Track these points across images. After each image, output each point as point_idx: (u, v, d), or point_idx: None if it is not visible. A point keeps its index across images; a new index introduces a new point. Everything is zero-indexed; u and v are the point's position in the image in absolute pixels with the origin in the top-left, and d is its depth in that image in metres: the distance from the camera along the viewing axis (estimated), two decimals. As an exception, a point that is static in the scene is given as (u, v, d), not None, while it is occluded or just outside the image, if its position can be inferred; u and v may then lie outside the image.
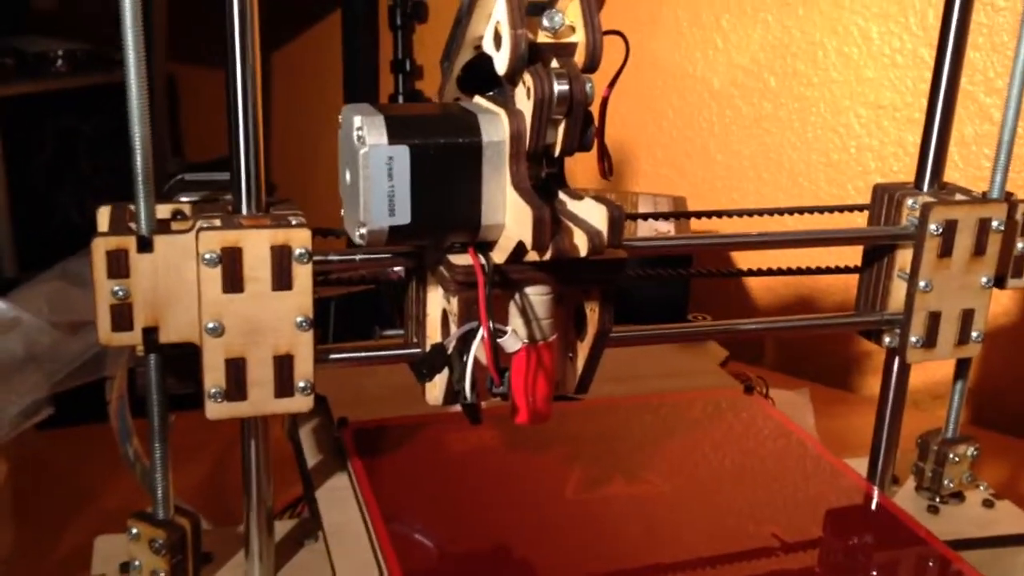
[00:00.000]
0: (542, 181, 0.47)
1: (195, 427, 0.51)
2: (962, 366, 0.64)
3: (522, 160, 0.44)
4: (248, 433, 0.53)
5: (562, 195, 0.47)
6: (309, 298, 0.49)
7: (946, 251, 0.57)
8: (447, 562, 0.54)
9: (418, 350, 0.52)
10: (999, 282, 0.60)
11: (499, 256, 0.46)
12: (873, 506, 0.61)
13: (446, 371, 0.49)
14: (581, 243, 0.43)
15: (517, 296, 0.47)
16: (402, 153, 0.43)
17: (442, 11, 1.22)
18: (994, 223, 0.58)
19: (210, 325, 0.48)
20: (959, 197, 0.59)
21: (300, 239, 0.48)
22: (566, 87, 0.43)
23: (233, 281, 0.48)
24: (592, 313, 0.49)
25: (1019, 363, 0.98)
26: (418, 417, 0.67)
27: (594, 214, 0.43)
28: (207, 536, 0.56)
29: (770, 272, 0.64)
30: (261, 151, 0.50)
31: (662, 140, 1.21)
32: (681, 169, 1.20)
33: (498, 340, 0.46)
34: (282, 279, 0.48)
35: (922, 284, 0.58)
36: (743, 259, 1.10)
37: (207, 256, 0.47)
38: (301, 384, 0.50)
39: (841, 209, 0.62)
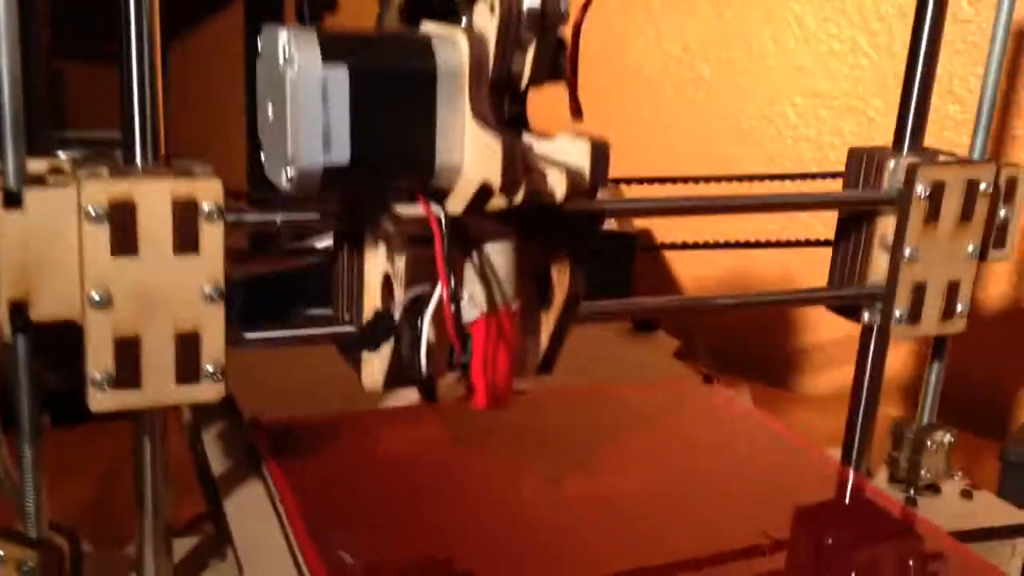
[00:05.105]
0: (504, 122, 0.40)
1: (72, 443, 0.42)
2: (940, 345, 0.59)
3: (484, 90, 0.37)
4: (143, 430, 0.44)
5: (528, 139, 0.40)
6: (219, 264, 0.41)
7: (932, 216, 0.52)
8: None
9: (350, 328, 0.44)
10: (980, 253, 0.56)
11: (455, 206, 0.38)
12: (866, 494, 0.56)
13: (385, 351, 0.41)
14: (558, 184, 0.36)
15: (474, 255, 0.40)
16: (339, 77, 0.35)
17: (353, 1, 1.15)
18: (982, 185, 0.53)
19: (95, 295, 0.39)
20: (943, 159, 0.54)
21: (209, 192, 0.40)
22: (537, 2, 0.36)
23: (124, 242, 0.39)
24: (560, 275, 0.42)
25: (977, 356, 0.94)
26: (341, 415, 0.58)
27: (572, 152, 0.37)
28: (89, 561, 0.46)
29: (735, 245, 0.58)
30: (160, 90, 0.42)
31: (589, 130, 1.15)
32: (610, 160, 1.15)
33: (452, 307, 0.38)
34: (186, 240, 0.40)
35: (907, 253, 0.53)
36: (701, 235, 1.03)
37: (92, 211, 0.38)
38: (209, 368, 0.41)
39: (815, 176, 0.57)
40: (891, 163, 0.53)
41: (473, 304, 0.39)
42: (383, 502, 0.51)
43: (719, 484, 0.55)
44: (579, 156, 0.36)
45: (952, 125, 0.92)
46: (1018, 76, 0.89)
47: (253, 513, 0.50)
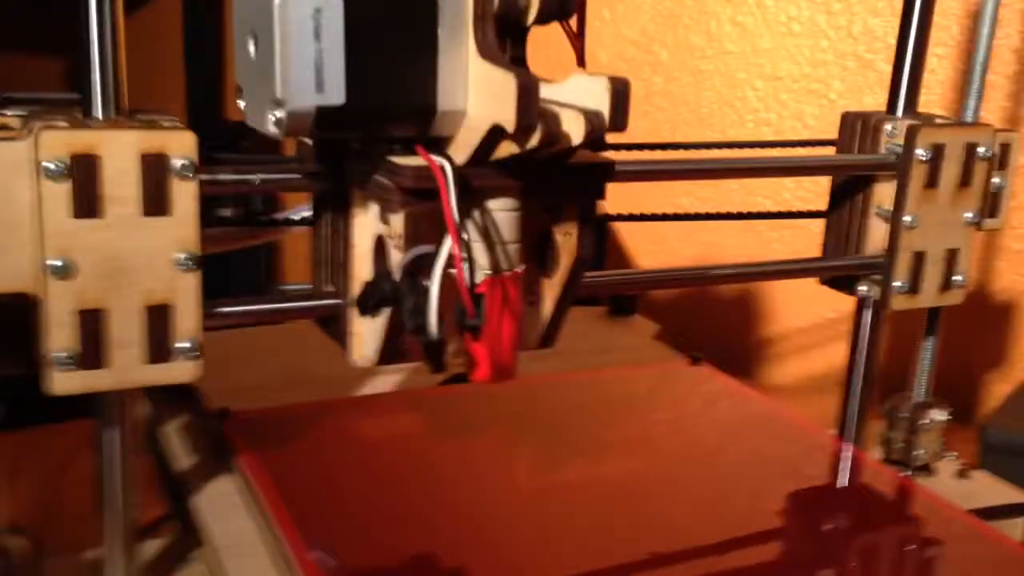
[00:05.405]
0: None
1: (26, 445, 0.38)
2: (934, 319, 0.58)
3: (489, 24, 0.34)
4: (108, 419, 0.40)
5: (531, 83, 0.37)
6: (194, 227, 0.37)
7: (932, 181, 0.51)
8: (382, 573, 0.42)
9: (335, 300, 0.41)
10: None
11: (458, 154, 0.35)
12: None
13: (380, 321, 0.38)
14: (574, 126, 0.33)
15: (476, 213, 0.36)
16: (334, 6, 0.32)
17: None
18: (980, 149, 0.51)
19: (55, 263, 0.35)
20: (940, 121, 0.52)
21: (180, 145, 0.36)
22: (546, -72, 0.33)
23: (88, 202, 0.35)
24: (567, 237, 0.39)
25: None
26: (314, 405, 0.55)
27: (588, 94, 0.34)
28: (50, 566, 0.42)
29: (723, 216, 0.55)
30: (121, 35, 0.38)
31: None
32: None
33: (452, 271, 0.35)
34: (156, 200, 0.36)
35: (907, 219, 0.51)
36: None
37: (51, 166, 0.34)
38: (184, 344, 0.37)
39: (805, 144, 0.54)
40: (889, 125, 0.51)
41: (476, 267, 0.36)
42: (368, 492, 0.47)
43: (728, 465, 0.52)
44: (596, 97, 0.33)
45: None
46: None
47: (229, 509, 0.46)
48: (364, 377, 0.60)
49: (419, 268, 0.34)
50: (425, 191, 0.34)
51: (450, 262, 0.33)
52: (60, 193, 0.35)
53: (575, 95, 0.34)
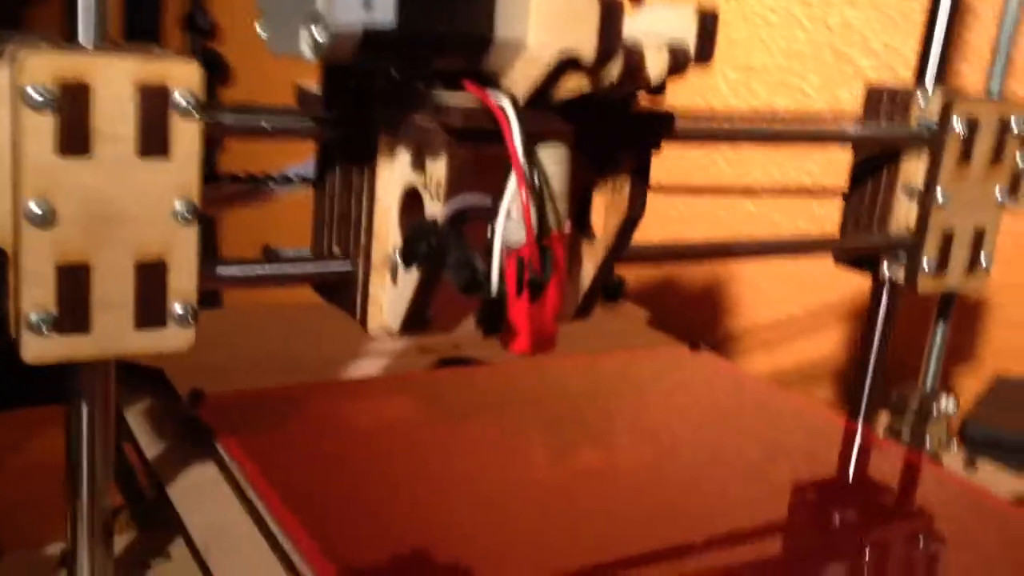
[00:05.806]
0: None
1: None
2: (946, 304, 0.55)
3: (553, -58, 0.30)
4: (84, 391, 0.34)
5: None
6: (196, 172, 0.32)
7: (965, 156, 0.48)
8: (391, 561, 0.37)
9: (345, 267, 0.36)
10: (998, 202, 0.52)
11: (517, 88, 0.30)
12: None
13: (405, 287, 0.33)
14: (655, 59, 0.29)
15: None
16: (385, -91, 0.27)
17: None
18: (1013, 125, 0.49)
19: (34, 207, 0.30)
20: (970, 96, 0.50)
21: (183, 77, 0.31)
22: None
23: (76, 137, 0.30)
24: (617, 193, 0.35)
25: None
26: (296, 387, 0.50)
27: (667, 24, 0.30)
28: (9, 561, 0.37)
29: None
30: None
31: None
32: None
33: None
34: (154, 139, 0.31)
35: (940, 196, 0.48)
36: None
37: (35, 94, 0.29)
38: (178, 308, 0.32)
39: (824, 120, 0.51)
40: (921, 98, 0.49)
41: (519, 224, 0.32)
42: (360, 477, 0.43)
43: (756, 451, 0.49)
44: (678, 28, 0.29)
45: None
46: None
47: (209, 498, 0.41)
48: (342, 361, 0.56)
49: (463, 220, 0.30)
50: (476, 132, 0.30)
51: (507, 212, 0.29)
52: (43, 126, 0.29)
53: (655, 23, 0.30)
